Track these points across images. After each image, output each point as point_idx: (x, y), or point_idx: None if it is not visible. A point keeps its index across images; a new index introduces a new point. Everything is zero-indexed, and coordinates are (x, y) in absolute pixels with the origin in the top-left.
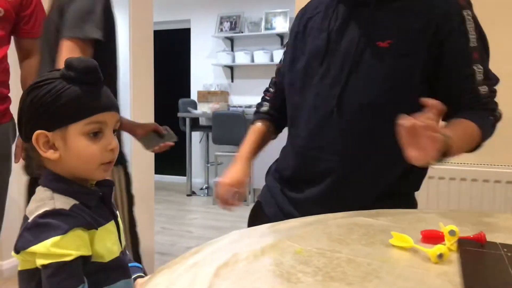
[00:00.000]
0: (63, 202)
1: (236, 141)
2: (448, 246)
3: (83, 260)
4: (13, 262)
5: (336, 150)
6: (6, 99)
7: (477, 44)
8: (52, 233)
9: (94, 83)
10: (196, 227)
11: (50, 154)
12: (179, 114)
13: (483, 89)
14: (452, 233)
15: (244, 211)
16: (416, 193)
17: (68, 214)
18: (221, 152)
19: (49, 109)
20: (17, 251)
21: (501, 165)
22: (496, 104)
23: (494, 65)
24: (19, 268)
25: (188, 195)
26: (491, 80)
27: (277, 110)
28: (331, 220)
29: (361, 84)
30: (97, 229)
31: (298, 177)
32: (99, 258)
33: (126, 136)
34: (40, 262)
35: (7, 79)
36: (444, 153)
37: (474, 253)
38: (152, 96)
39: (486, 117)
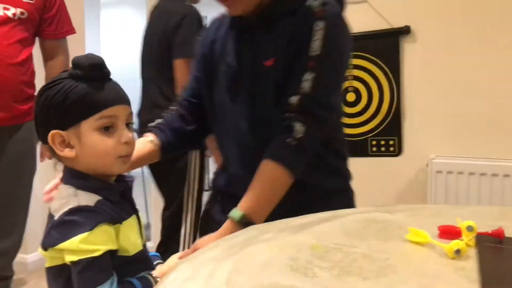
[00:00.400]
0: (87, 199)
1: None
2: (465, 242)
3: (110, 254)
4: (38, 255)
5: (253, 169)
6: (31, 99)
7: (319, 52)
8: (79, 229)
9: (101, 79)
10: None
11: (67, 153)
12: None
13: (294, 99)
14: (469, 228)
15: None
16: (434, 188)
17: (93, 210)
18: None
19: (59, 108)
20: (45, 248)
21: None
22: (304, 119)
23: (495, 64)
24: (47, 265)
25: (205, 190)
26: (319, 89)
27: (172, 128)
28: (348, 215)
29: (259, 103)
30: (121, 223)
31: (233, 195)
32: (124, 252)
33: None
34: (69, 258)
35: (32, 79)
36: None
37: (492, 249)
38: None
39: (284, 142)
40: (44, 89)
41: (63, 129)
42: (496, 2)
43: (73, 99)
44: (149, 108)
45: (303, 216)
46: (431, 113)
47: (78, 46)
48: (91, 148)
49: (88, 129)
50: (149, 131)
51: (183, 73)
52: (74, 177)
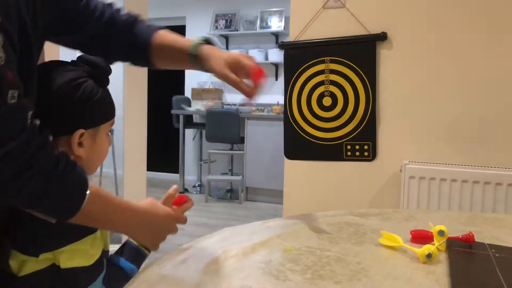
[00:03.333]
0: None
1: (229, 139)
2: (436, 246)
3: None
4: None
5: None
6: None
7: None
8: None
9: (108, 83)
10: (188, 225)
11: (81, 152)
12: (173, 111)
13: None
14: (441, 233)
15: (237, 209)
16: (407, 192)
17: None
18: (214, 149)
19: (88, 108)
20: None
21: (491, 167)
22: None
23: (489, 69)
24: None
25: (180, 193)
26: None
27: None
28: (321, 218)
29: None
30: None
31: None
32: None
33: (118, 134)
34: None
35: None
36: None
37: (462, 253)
38: (145, 93)
39: None
40: (67, 86)
41: (86, 128)
42: (471, 12)
43: (101, 101)
44: None
45: (278, 218)
46: (405, 119)
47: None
48: (100, 149)
49: (103, 131)
50: None
51: None
52: None
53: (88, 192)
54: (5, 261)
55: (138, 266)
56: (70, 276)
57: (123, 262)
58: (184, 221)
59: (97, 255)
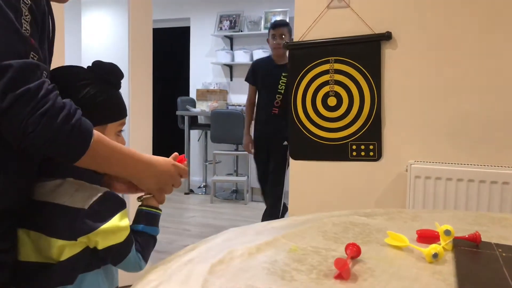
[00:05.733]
0: (101, 189)
1: (234, 140)
2: (443, 246)
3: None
4: None
5: None
6: None
7: None
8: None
9: (119, 88)
10: (193, 226)
11: None
12: (178, 112)
13: None
14: (447, 232)
15: (243, 210)
16: (412, 192)
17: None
18: (219, 150)
19: (97, 106)
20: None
21: (497, 166)
22: None
23: (494, 68)
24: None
25: (186, 194)
26: None
27: None
28: (327, 218)
29: None
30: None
31: None
32: None
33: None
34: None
35: None
36: None
37: (469, 253)
38: (150, 94)
39: None
40: (80, 85)
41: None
42: (476, 12)
43: (111, 100)
44: None
45: (283, 218)
46: (410, 119)
47: (58, 46)
48: None
49: (111, 131)
50: None
51: None
52: (84, 172)
53: (93, 132)
54: (31, 253)
55: (157, 225)
56: (108, 254)
57: (145, 228)
58: (185, 172)
59: (127, 230)
